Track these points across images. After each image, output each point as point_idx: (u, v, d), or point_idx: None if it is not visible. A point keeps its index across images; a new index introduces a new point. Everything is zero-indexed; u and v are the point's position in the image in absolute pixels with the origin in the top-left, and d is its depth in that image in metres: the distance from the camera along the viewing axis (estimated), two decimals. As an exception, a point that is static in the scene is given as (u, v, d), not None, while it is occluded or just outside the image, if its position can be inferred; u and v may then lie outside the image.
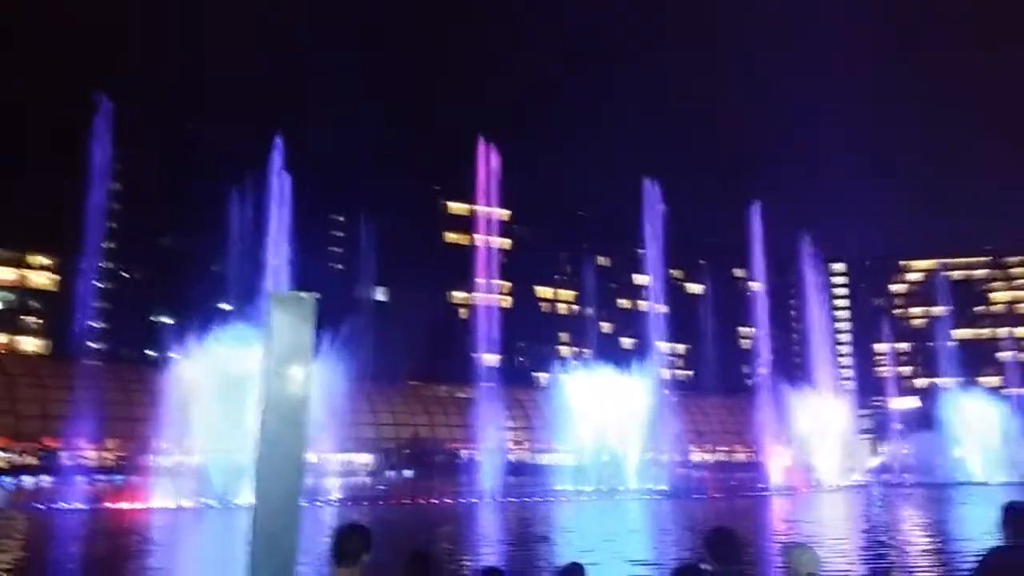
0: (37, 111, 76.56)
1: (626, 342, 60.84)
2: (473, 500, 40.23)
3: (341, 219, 53.41)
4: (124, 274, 44.09)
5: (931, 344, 70.48)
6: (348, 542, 4.71)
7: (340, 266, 53.58)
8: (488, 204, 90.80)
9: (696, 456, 58.19)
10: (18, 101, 77.28)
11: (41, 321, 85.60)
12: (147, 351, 42.33)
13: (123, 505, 34.81)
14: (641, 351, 60.92)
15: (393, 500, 38.99)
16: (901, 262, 77.41)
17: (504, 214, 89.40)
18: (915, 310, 76.80)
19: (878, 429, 58.65)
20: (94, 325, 52.92)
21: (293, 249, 48.93)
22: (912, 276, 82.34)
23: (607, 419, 50.15)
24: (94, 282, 50.25)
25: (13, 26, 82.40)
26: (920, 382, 69.32)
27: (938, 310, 79.57)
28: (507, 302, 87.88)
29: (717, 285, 59.79)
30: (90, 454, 52.50)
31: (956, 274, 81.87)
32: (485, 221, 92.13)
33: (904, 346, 73.96)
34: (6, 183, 76.37)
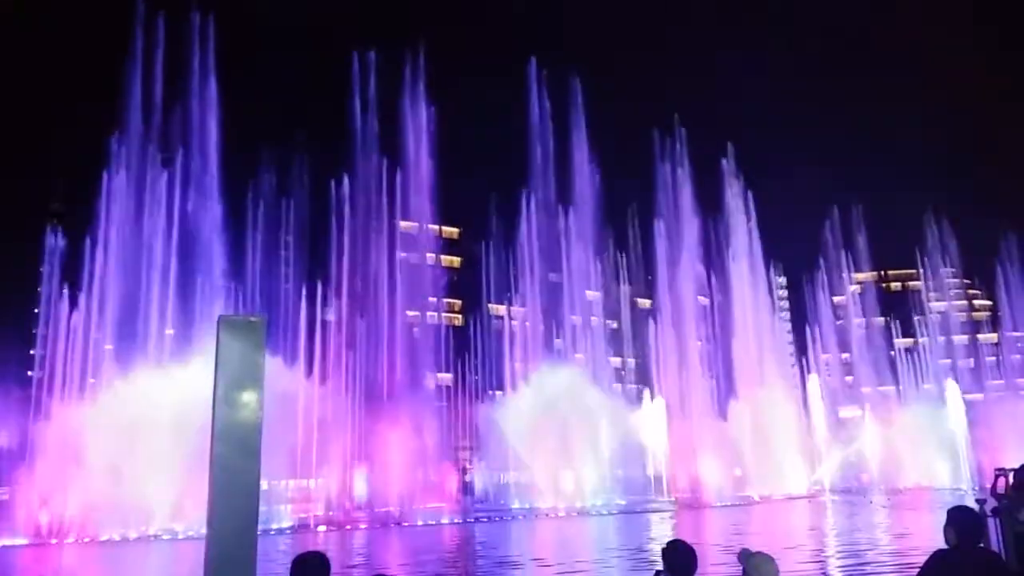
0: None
1: (579, 357, 61.00)
2: (432, 522, 39.80)
3: (290, 238, 52.93)
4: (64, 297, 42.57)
5: (872, 353, 72.49)
6: (305, 573, 4.56)
7: (288, 285, 52.83)
8: (437, 222, 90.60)
9: (651, 470, 58.60)
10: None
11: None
12: (90, 379, 40.92)
13: (69, 540, 33.51)
14: (593, 366, 61.29)
15: (348, 525, 38.31)
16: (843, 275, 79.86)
17: (454, 232, 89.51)
18: (856, 320, 78.91)
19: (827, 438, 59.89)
20: (32, 353, 51.11)
21: (240, 270, 48.13)
22: (853, 288, 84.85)
23: (562, 435, 50.17)
24: (33, 308, 48.54)
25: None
26: (865, 390, 71.03)
27: (878, 320, 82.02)
28: (458, 320, 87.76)
29: (667, 299, 60.72)
30: (30, 488, 50.49)
31: (894, 285, 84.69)
32: (435, 239, 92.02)
33: (847, 356, 75.82)
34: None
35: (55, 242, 43.92)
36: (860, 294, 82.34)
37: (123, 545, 32.45)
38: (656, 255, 59.36)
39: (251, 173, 49.84)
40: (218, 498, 5.28)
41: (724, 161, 64.08)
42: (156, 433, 35.12)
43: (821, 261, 71.07)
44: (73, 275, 41.98)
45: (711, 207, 62.91)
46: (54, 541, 33.33)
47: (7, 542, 32.79)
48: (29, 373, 50.26)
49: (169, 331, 43.37)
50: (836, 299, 77.21)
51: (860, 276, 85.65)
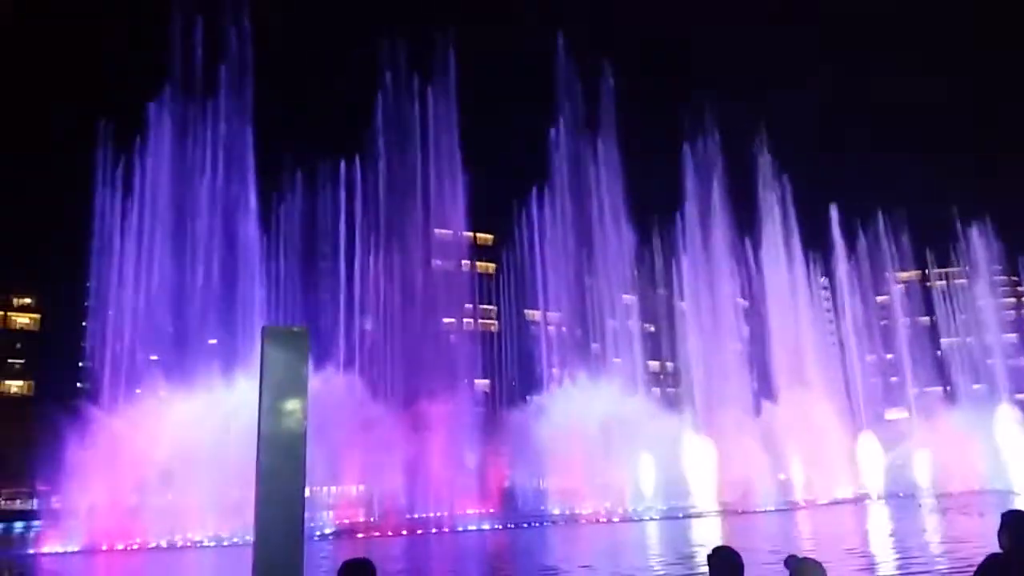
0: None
1: (616, 361, 60.67)
2: (472, 527, 39.85)
3: (327, 248, 53.81)
4: (110, 312, 43.63)
5: (918, 353, 70.89)
6: None
7: (328, 296, 53.52)
8: (471, 229, 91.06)
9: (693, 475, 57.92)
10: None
11: (24, 361, 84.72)
12: (136, 389, 41.85)
13: (118, 547, 34.23)
14: (630, 370, 60.93)
15: (390, 531, 38.52)
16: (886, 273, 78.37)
17: (488, 238, 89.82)
18: (901, 319, 77.27)
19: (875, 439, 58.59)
20: (81, 365, 52.46)
21: (281, 282, 48.87)
22: (897, 287, 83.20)
23: (602, 441, 49.88)
24: (80, 322, 49.82)
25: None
26: (911, 391, 69.46)
27: (924, 320, 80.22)
28: (495, 326, 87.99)
29: (704, 303, 60.15)
30: (81, 496, 51.74)
31: (939, 283, 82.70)
32: (470, 246, 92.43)
33: (891, 356, 74.28)
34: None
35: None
36: (905, 293, 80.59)
37: (171, 552, 33.05)
38: (685, 254, 58.69)
39: (285, 185, 50.52)
40: (264, 505, 5.37)
41: (759, 156, 63.23)
42: (203, 441, 35.80)
43: (864, 260, 69.62)
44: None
45: (746, 205, 62.12)
46: (104, 548, 34.06)
47: (59, 549, 33.60)
48: (79, 384, 51.62)
49: (212, 341, 44.20)
50: (880, 299, 75.63)
51: (904, 275, 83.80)
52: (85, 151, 41.42)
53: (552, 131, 58.83)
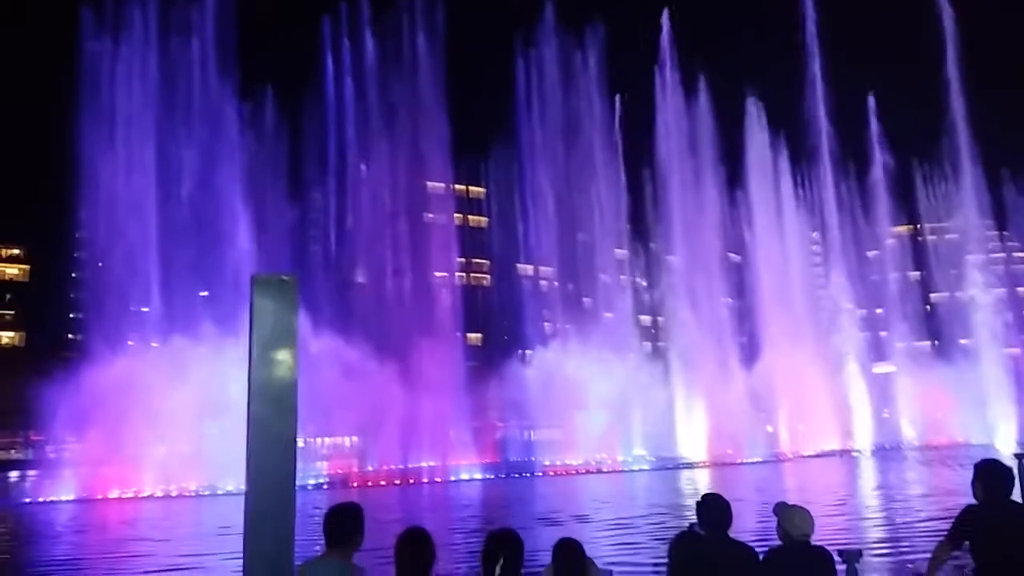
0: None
1: (607, 316, 60.94)
2: (468, 477, 40.46)
3: (318, 197, 53.31)
4: (100, 263, 43.40)
5: (907, 308, 71.38)
6: (339, 524, 4.43)
7: (318, 248, 53.27)
8: (464, 182, 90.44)
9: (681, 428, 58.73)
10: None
11: (14, 312, 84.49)
12: (128, 341, 41.86)
13: (112, 495, 34.64)
14: (622, 324, 61.24)
15: (383, 482, 39.07)
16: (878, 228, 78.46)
17: (480, 192, 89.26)
18: (892, 274, 77.57)
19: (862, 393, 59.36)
20: (72, 316, 52.34)
21: (269, 231, 48.55)
22: (888, 241, 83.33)
23: (590, 395, 50.47)
24: (71, 272, 49.55)
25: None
26: (899, 345, 70.10)
27: (914, 274, 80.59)
28: (487, 280, 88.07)
29: (695, 257, 60.26)
30: (75, 447, 52.15)
31: (931, 238, 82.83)
32: (462, 199, 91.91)
33: (880, 310, 74.76)
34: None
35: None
36: (896, 247, 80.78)
37: (165, 500, 33.46)
38: (672, 206, 58.47)
39: (270, 131, 49.71)
40: (255, 455, 5.37)
41: (750, 101, 62.62)
42: (195, 391, 36.01)
43: (856, 213, 69.60)
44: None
45: (734, 156, 61.74)
46: (99, 497, 34.41)
47: (54, 498, 33.93)
48: (70, 336, 51.50)
49: (203, 293, 44.12)
50: (871, 253, 75.84)
51: (896, 229, 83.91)
52: (66, 95, 40.48)
53: (542, 83, 58.11)
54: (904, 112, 68.33)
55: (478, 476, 41.09)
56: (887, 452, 49.47)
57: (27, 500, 34.91)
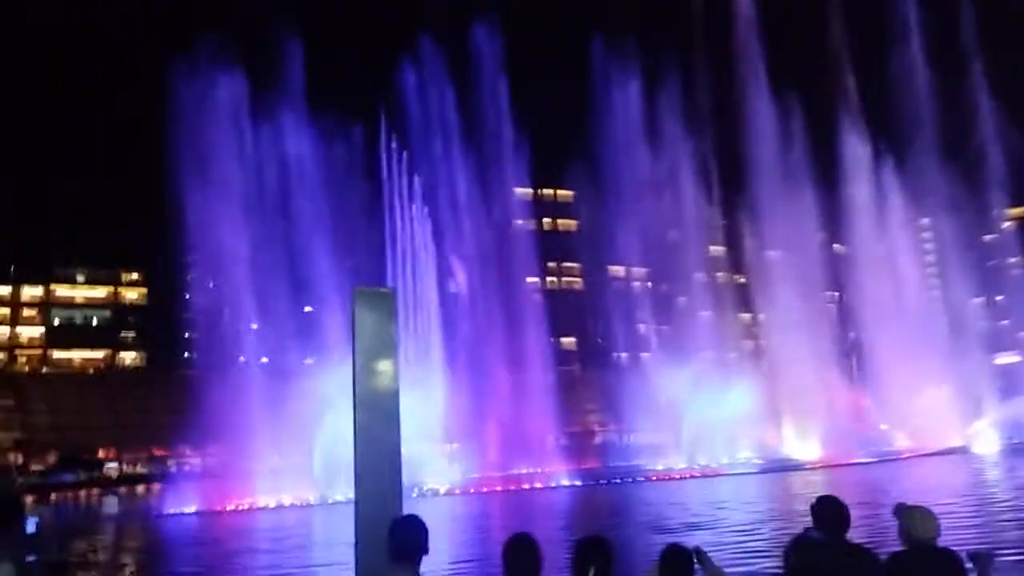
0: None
1: (703, 314, 59.57)
2: (569, 484, 40.30)
3: (412, 210, 54.71)
4: (211, 284, 45.71)
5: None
6: (405, 539, 4.22)
7: (415, 259, 54.51)
8: (551, 186, 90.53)
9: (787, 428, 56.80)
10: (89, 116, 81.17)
11: (135, 335, 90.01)
12: (239, 357, 43.88)
13: (230, 507, 36.26)
14: (719, 323, 59.77)
15: (486, 488, 39.34)
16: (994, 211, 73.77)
17: (568, 195, 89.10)
18: (1012, 259, 72.75)
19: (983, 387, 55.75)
20: (188, 336, 55.33)
21: (370, 248, 49.97)
22: (1006, 224, 78.22)
23: (693, 394, 49.45)
24: (184, 294, 52.39)
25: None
26: (1022, 335, 65.66)
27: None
28: (578, 283, 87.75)
29: (796, 251, 58.16)
30: (195, 460, 55.07)
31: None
32: (551, 204, 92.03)
33: (1001, 298, 70.26)
34: (91, 201, 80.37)
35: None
36: (1015, 231, 75.73)
37: (279, 511, 34.79)
38: (767, 198, 56.50)
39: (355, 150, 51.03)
40: (363, 463, 5.54)
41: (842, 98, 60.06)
42: (305, 404, 37.40)
43: (968, 196, 65.62)
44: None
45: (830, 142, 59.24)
46: (218, 509, 36.08)
47: (177, 510, 35.82)
48: (186, 355, 54.42)
49: (307, 308, 45.81)
50: (987, 237, 71.36)
51: (1015, 211, 78.66)
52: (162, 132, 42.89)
53: (631, 87, 57.49)
54: (1017, 88, 63.77)
55: (578, 483, 40.85)
56: (1016, 448, 46.23)
57: (155, 513, 36.95)
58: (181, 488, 39.01)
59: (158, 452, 67.82)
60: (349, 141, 47.91)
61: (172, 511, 35.55)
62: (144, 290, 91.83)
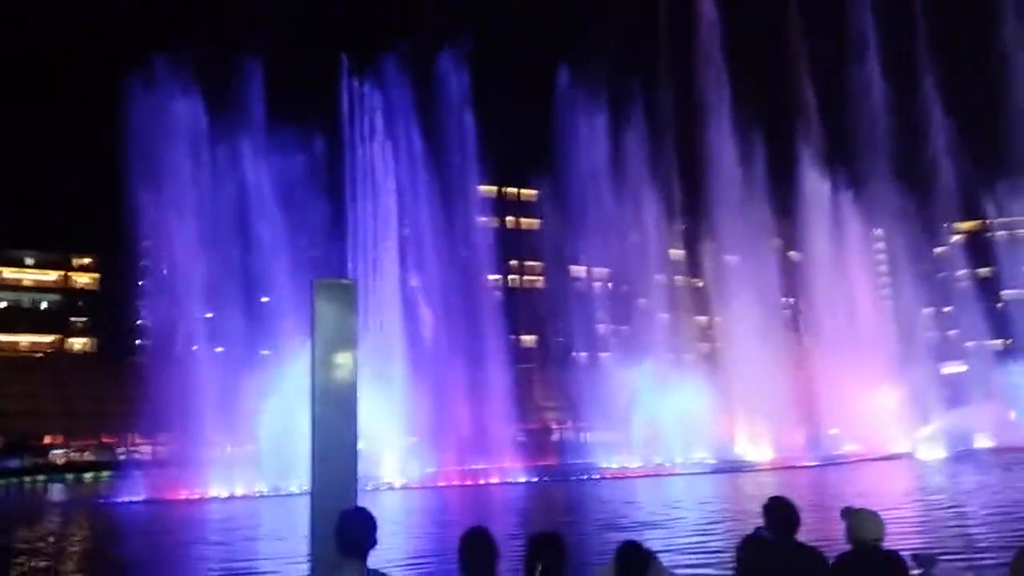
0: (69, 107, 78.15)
1: (663, 316, 60.27)
2: (526, 480, 40.44)
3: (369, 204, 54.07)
4: (165, 271, 44.80)
5: (976, 306, 68.68)
6: (353, 532, 4.09)
7: (376, 252, 54.00)
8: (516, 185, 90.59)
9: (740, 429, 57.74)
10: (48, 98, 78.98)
11: (86, 320, 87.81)
12: (193, 346, 43.08)
13: (181, 496, 35.64)
14: (677, 325, 60.51)
15: (444, 483, 39.29)
16: (944, 224, 75.83)
17: (532, 194, 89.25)
18: (960, 271, 74.91)
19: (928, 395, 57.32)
20: (140, 323, 54.16)
21: (330, 238, 49.45)
22: (955, 237, 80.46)
23: (649, 394, 50.01)
24: (137, 280, 51.29)
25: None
26: (968, 345, 67.58)
27: (984, 271, 77.56)
28: (540, 282, 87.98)
29: (753, 256, 59.12)
30: (145, 449, 53.98)
31: (1000, 234, 79.65)
32: (514, 202, 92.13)
33: (949, 309, 72.25)
34: (44, 184, 78.19)
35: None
36: (964, 244, 78.01)
37: (229, 502, 34.29)
38: (727, 204, 57.39)
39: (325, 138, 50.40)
40: (319, 455, 5.49)
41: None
42: (259, 395, 36.86)
43: (919, 210, 67.33)
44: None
45: (788, 151, 60.40)
46: (167, 498, 35.46)
47: (126, 498, 35.11)
48: (138, 342, 53.34)
49: (264, 299, 45.20)
50: (937, 250, 73.39)
51: (964, 225, 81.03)
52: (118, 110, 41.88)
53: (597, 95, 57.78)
54: (968, 105, 65.55)
55: (535, 479, 41.04)
56: (960, 455, 47.64)
57: (102, 501, 36.16)
58: (130, 476, 38.27)
59: (107, 440, 66.36)
60: (309, 136, 47.38)
61: (120, 499, 34.85)
62: (96, 275, 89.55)
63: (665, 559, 4.88)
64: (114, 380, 48.58)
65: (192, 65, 43.58)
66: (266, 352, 42.53)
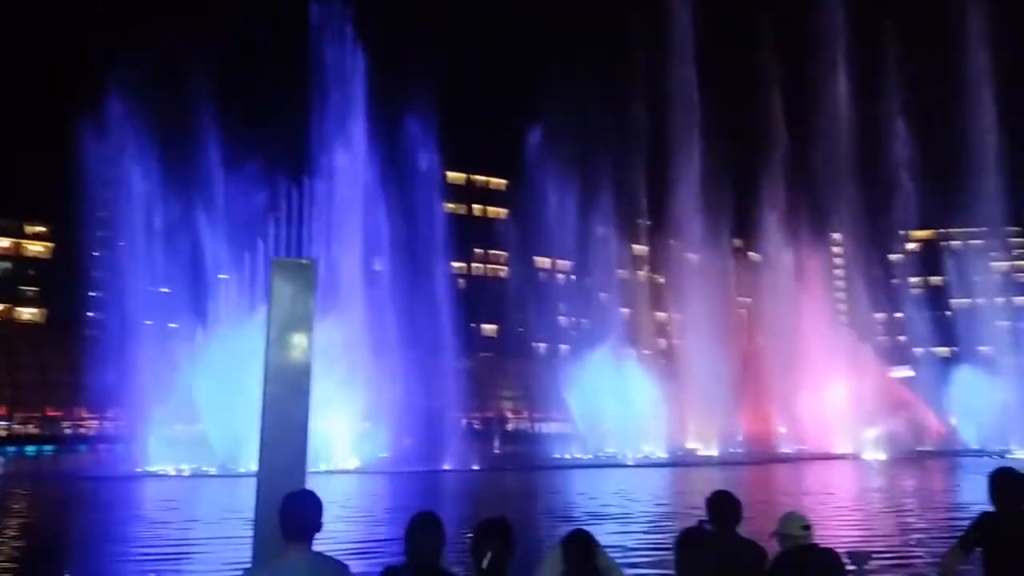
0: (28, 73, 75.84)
1: (623, 311, 60.84)
2: (479, 468, 40.51)
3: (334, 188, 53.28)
4: (121, 243, 43.88)
5: (927, 313, 70.55)
6: (298, 516, 4.02)
7: (339, 233, 53.39)
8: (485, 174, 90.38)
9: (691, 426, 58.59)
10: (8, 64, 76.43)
11: (37, 289, 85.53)
12: (146, 321, 42.27)
13: (125, 473, 35.02)
14: (636, 320, 61.20)
15: (396, 469, 39.16)
16: (900, 232, 77.61)
17: (501, 183, 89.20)
18: (913, 279, 76.84)
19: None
20: (92, 295, 52.93)
21: (291, 219, 48.80)
22: (910, 245, 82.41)
23: (607, 387, 50.47)
24: (90, 251, 50.11)
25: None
26: (917, 350, 69.37)
27: (935, 279, 79.61)
28: (504, 272, 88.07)
29: (713, 254, 59.89)
30: (92, 423, 52.93)
31: (955, 243, 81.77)
32: (482, 191, 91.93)
33: (900, 315, 74.10)
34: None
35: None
36: (918, 252, 79.95)
37: (178, 480, 33.80)
38: (689, 202, 58.05)
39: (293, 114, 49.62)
40: (269, 436, 5.42)
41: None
42: (210, 373, 36.32)
43: (876, 217, 68.81)
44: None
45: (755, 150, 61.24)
46: (116, 474, 34.85)
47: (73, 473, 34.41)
48: (89, 314, 52.13)
49: (222, 276, 44.51)
50: (892, 256, 75.13)
51: (919, 234, 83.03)
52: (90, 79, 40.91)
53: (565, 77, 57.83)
54: (928, 119, 67.05)
55: (488, 467, 41.18)
56: (902, 458, 48.99)
57: (44, 475, 35.39)
58: (74, 451, 37.51)
59: (52, 413, 64.81)
60: (267, 112, 46.68)
61: (62, 474, 34.14)
62: (50, 244, 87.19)
63: (615, 552, 4.93)
64: (63, 352, 47.57)
65: (150, 49, 42.74)
66: (221, 329, 41.92)
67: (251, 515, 5.14)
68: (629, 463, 44.26)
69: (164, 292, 43.39)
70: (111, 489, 30.12)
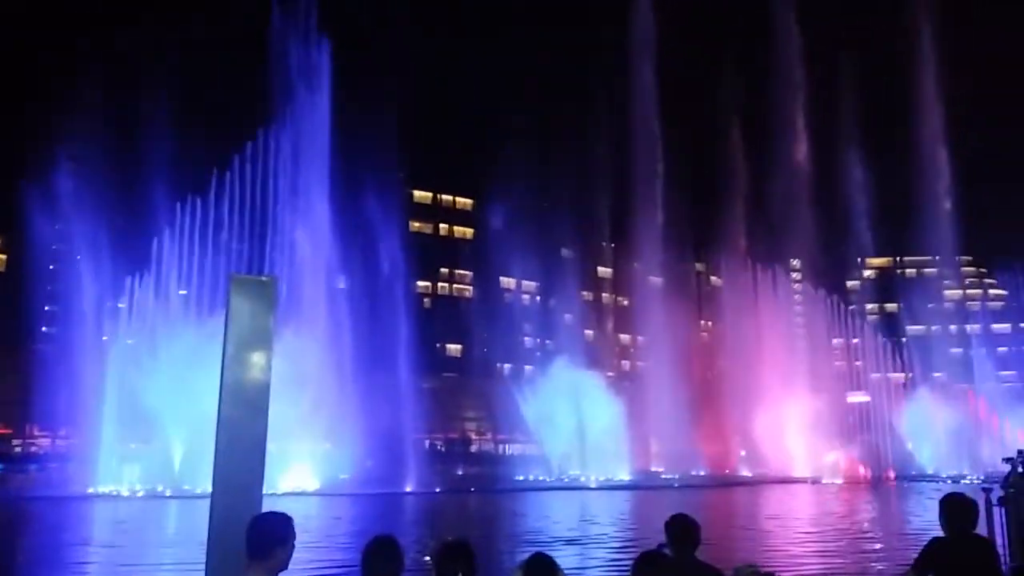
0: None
1: (588, 333, 61.08)
2: (442, 490, 40.10)
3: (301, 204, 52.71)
4: (78, 257, 42.96)
5: (884, 339, 72.01)
6: (261, 535, 3.96)
7: (305, 252, 52.81)
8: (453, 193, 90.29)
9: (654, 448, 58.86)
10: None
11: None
12: (102, 336, 41.32)
13: (78, 493, 34.01)
14: (600, 342, 61.47)
15: (357, 491, 38.63)
16: (857, 259, 79.28)
17: (468, 203, 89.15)
18: (869, 305, 78.45)
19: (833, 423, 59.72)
20: (47, 308, 51.61)
21: (253, 234, 48.23)
22: (867, 273, 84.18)
23: (569, 409, 50.46)
24: (48, 264, 48.97)
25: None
26: (874, 376, 70.68)
27: (891, 306, 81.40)
28: (469, 292, 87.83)
29: (676, 278, 60.53)
30: (43, 441, 51.31)
31: (909, 272, 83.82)
32: (449, 210, 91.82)
33: (857, 341, 75.53)
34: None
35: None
36: (874, 280, 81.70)
37: (129, 501, 32.93)
38: (653, 226, 58.85)
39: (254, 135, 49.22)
40: (225, 456, 5.28)
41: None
42: (167, 391, 35.57)
43: (834, 246, 70.35)
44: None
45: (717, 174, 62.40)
46: (60, 495, 33.83)
47: (16, 493, 33.30)
48: (44, 329, 50.83)
49: (182, 291, 43.75)
50: (849, 284, 76.68)
51: (875, 261, 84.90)
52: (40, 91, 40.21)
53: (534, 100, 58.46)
54: (885, 151, 68.98)
55: (451, 489, 40.82)
56: (857, 482, 49.73)
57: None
58: (24, 470, 36.33)
59: (2, 431, 62.78)
60: (228, 127, 46.26)
61: (11, 494, 33.01)
62: (3, 256, 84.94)
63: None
64: (14, 367, 46.10)
65: (110, 57, 42.28)
66: (179, 347, 41.15)
67: (205, 538, 5.00)
68: (592, 485, 44.22)
69: (121, 307, 42.52)
70: (60, 510, 29.21)
